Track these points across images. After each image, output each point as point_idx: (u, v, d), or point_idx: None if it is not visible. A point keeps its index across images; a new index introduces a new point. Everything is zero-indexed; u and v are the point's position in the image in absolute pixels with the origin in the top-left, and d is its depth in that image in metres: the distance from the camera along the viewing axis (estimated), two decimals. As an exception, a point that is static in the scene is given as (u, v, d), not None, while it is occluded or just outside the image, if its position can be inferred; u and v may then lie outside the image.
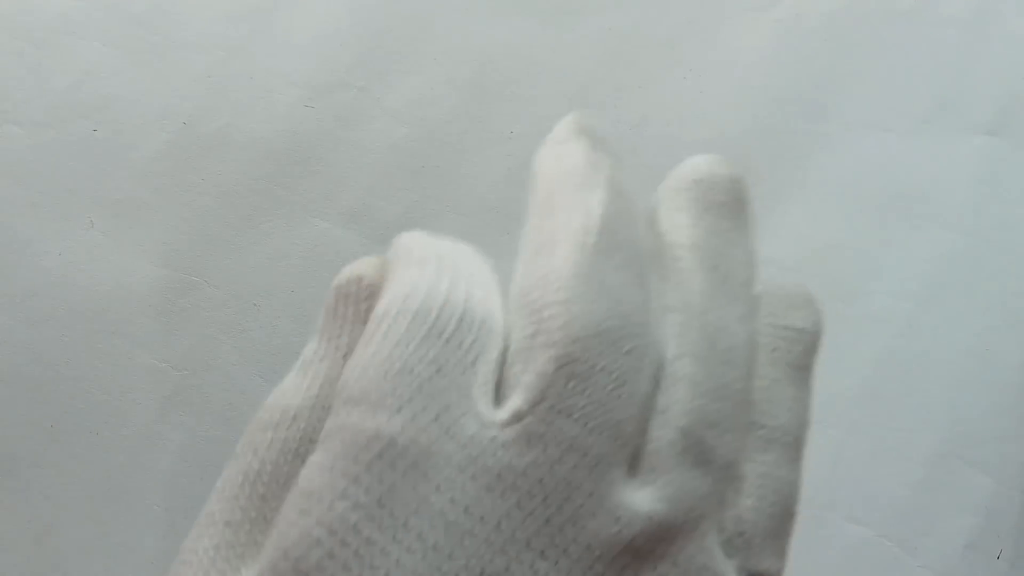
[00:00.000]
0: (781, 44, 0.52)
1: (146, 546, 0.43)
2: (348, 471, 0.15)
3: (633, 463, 0.16)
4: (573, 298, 0.16)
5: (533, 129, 0.50)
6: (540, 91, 0.51)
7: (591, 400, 0.15)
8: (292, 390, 0.18)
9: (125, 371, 0.45)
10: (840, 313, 0.47)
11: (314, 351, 0.19)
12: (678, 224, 0.19)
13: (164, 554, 0.43)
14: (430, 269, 0.17)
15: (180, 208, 0.48)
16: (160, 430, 0.45)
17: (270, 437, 0.18)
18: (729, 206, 0.20)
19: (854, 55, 0.52)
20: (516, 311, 0.17)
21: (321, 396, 0.18)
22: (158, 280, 0.47)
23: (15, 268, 0.47)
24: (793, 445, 0.18)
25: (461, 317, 0.16)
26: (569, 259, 0.16)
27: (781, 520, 0.18)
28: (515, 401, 0.15)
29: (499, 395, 0.16)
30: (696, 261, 0.18)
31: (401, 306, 0.16)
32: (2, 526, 0.43)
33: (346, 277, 0.19)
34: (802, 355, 0.19)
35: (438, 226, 0.48)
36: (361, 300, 0.18)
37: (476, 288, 0.17)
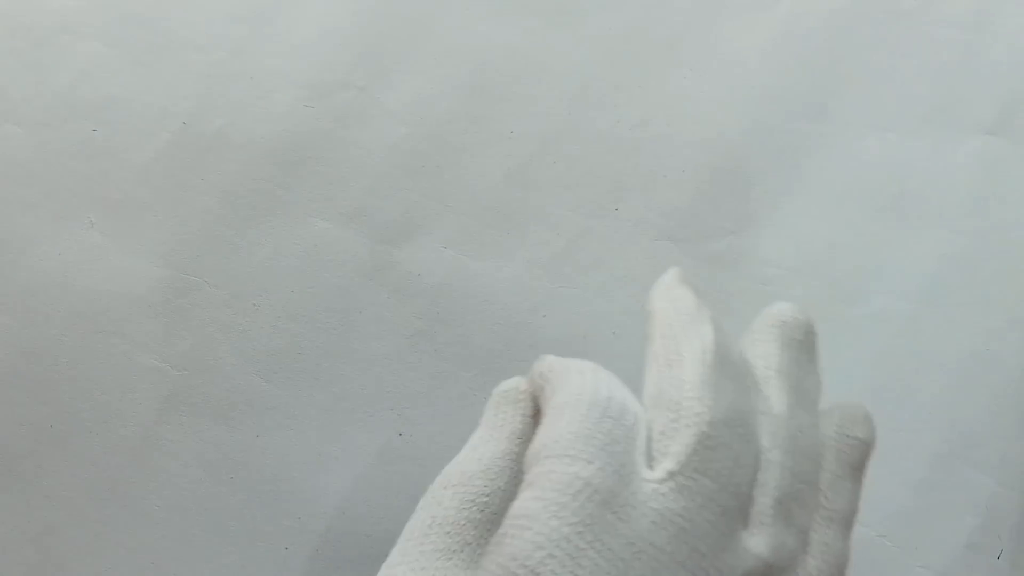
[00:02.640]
0: (781, 44, 0.52)
1: (146, 546, 0.43)
2: (558, 500, 0.20)
3: (743, 519, 0.22)
4: (704, 396, 0.22)
5: (533, 129, 0.50)
6: (540, 91, 0.51)
7: (722, 466, 0.21)
8: (465, 461, 0.25)
9: (125, 371, 0.45)
10: (840, 313, 0.47)
11: (481, 436, 0.25)
12: (768, 353, 0.26)
13: (164, 554, 0.43)
14: (589, 374, 0.24)
15: (180, 208, 0.48)
16: (160, 430, 0.45)
17: (451, 493, 0.24)
18: (804, 343, 0.26)
19: (854, 55, 0.52)
20: (655, 406, 0.23)
21: (491, 464, 0.24)
22: (158, 280, 0.47)
23: (15, 268, 0.47)
24: (846, 524, 0.24)
25: (622, 407, 0.22)
26: (696, 370, 0.23)
27: None
28: (667, 464, 0.21)
29: (650, 462, 0.22)
30: (782, 381, 0.25)
31: (579, 397, 0.22)
32: (2, 526, 0.43)
33: (506, 386, 0.26)
34: (859, 459, 0.25)
35: (438, 226, 0.48)
36: (519, 400, 0.26)
37: (624, 390, 0.23)
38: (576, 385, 0.23)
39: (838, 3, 0.53)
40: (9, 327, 0.46)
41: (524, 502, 0.20)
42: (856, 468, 0.25)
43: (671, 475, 0.21)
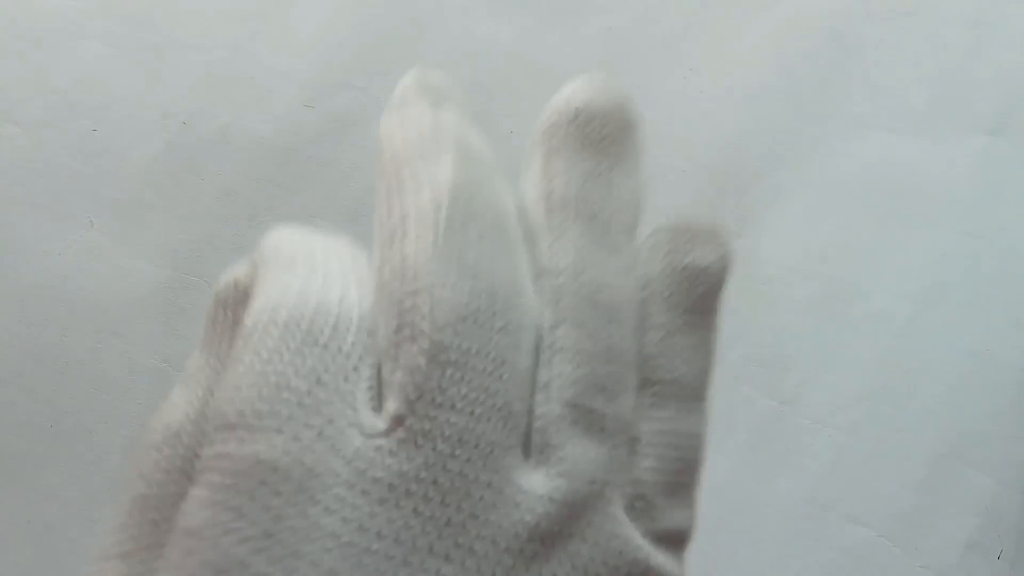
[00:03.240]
0: (781, 44, 0.52)
1: (146, 546, 0.43)
2: (230, 503, 0.14)
3: (524, 444, 0.15)
4: (433, 284, 0.15)
5: (533, 129, 0.50)
6: (540, 91, 0.51)
7: (472, 387, 0.15)
8: (175, 406, 0.17)
9: (125, 371, 0.45)
10: (840, 313, 0.47)
11: (196, 364, 0.17)
12: (552, 172, 0.17)
13: (164, 554, 0.43)
14: (300, 270, 0.16)
15: (180, 208, 0.48)
16: (160, 430, 0.45)
17: (154, 457, 0.16)
18: (611, 139, 0.18)
19: (854, 55, 0.52)
20: (378, 306, 0.15)
21: (203, 409, 0.16)
22: (158, 280, 0.47)
23: (15, 268, 0.47)
24: (693, 396, 0.17)
25: (336, 321, 0.15)
26: (423, 241, 0.15)
27: (683, 475, 0.17)
28: (392, 404, 0.14)
29: (380, 399, 0.15)
30: (571, 213, 0.17)
31: (271, 316, 0.15)
32: (2, 526, 0.43)
33: (223, 282, 0.17)
34: (703, 297, 0.17)
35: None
36: (239, 305, 0.17)
37: (352, 286, 0.16)
38: (275, 290, 0.15)
39: (838, 3, 0.53)
40: (9, 327, 0.46)
41: (190, 507, 0.14)
42: (699, 312, 0.17)
43: (398, 420, 0.14)
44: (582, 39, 0.52)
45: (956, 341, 0.47)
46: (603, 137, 0.18)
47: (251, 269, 0.17)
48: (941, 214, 0.49)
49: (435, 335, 0.14)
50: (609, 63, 0.51)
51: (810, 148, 0.50)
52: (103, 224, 0.48)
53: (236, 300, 0.17)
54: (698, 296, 0.17)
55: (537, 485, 0.15)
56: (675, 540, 0.16)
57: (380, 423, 0.14)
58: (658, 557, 0.15)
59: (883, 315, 0.47)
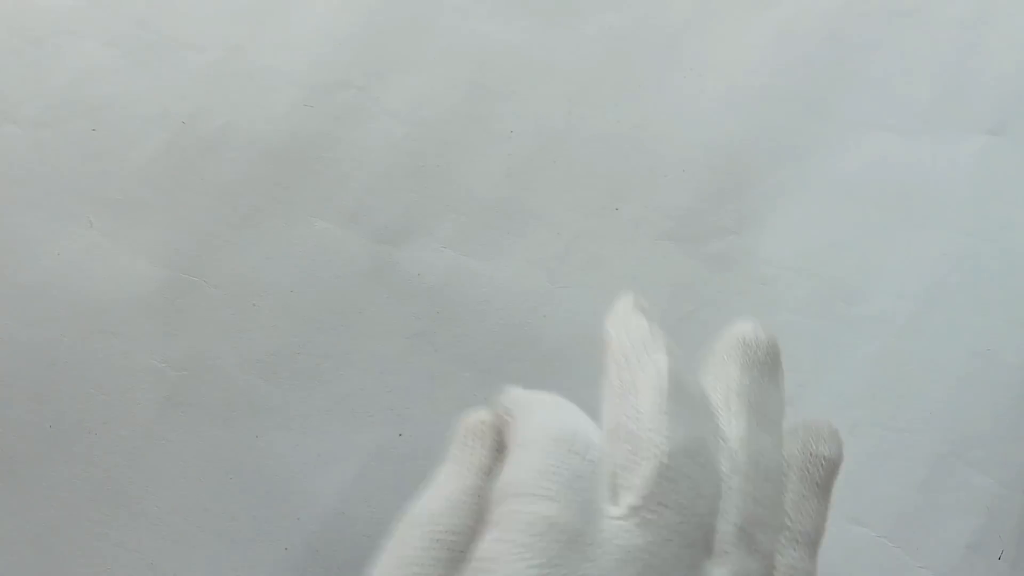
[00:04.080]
0: (781, 44, 0.52)
1: (146, 546, 0.43)
2: (522, 541, 0.20)
3: (707, 549, 0.22)
4: (661, 427, 0.22)
5: (533, 129, 0.50)
6: (540, 91, 0.51)
7: (684, 497, 0.21)
8: (431, 499, 0.24)
9: (125, 371, 0.45)
10: (840, 313, 0.47)
11: (447, 472, 0.25)
12: (728, 375, 0.25)
13: (163, 554, 0.43)
14: (553, 408, 0.24)
15: (180, 208, 0.48)
16: (160, 430, 0.45)
17: (418, 532, 0.24)
18: (766, 363, 0.26)
19: (854, 55, 0.52)
20: (614, 439, 0.23)
21: (457, 501, 0.24)
22: (158, 280, 0.47)
23: (15, 268, 0.47)
24: (813, 545, 0.24)
25: (586, 441, 0.22)
26: (652, 400, 0.23)
27: None
28: (629, 498, 0.21)
29: (614, 497, 0.22)
30: (742, 403, 0.25)
31: (543, 432, 0.22)
32: (2, 526, 0.43)
33: (472, 419, 0.26)
34: (825, 477, 0.25)
35: (438, 226, 0.48)
36: (485, 435, 0.25)
37: (589, 423, 0.23)
38: (540, 420, 0.23)
39: (838, 3, 0.53)
40: (9, 327, 0.46)
41: (488, 544, 0.20)
42: (822, 487, 0.25)
43: (634, 510, 0.21)
44: (582, 39, 0.52)
45: (957, 341, 0.47)
46: (763, 361, 0.26)
47: (498, 411, 0.25)
48: (941, 214, 0.49)
49: (663, 459, 0.21)
50: (609, 63, 0.51)
51: (810, 148, 0.50)
52: (102, 224, 0.48)
53: (483, 431, 0.26)
54: (823, 475, 0.25)
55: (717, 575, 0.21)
56: None
57: (617, 511, 0.21)
58: None
59: (883, 315, 0.47)
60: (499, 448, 0.26)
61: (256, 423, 0.45)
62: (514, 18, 0.52)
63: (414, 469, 0.44)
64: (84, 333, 0.46)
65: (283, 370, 0.46)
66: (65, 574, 0.43)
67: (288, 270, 0.47)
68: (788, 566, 0.23)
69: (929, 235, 0.49)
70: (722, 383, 0.26)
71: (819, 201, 0.49)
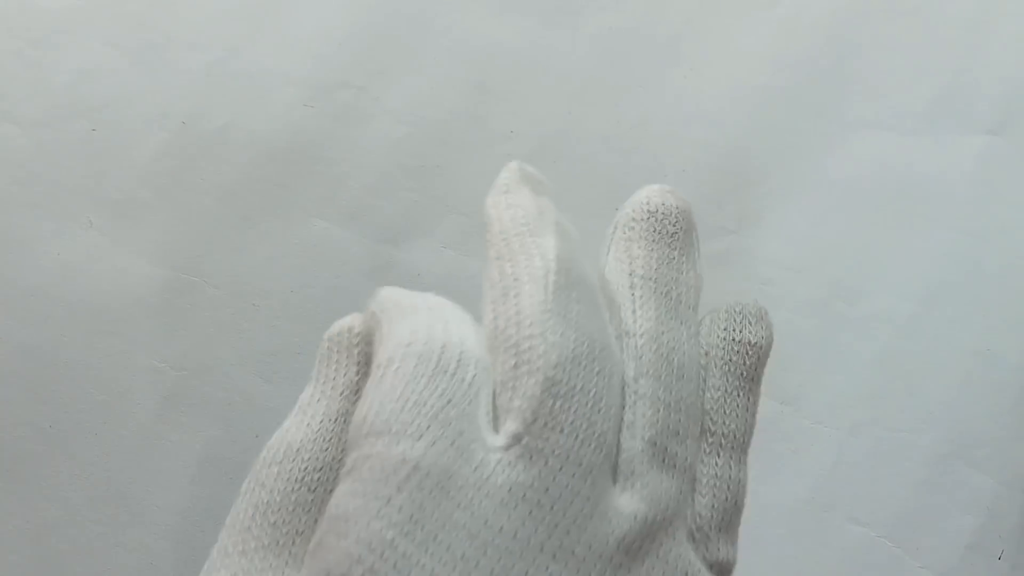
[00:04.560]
0: (781, 44, 0.52)
1: (145, 546, 0.43)
2: (380, 494, 0.16)
3: (612, 471, 0.18)
4: (546, 331, 0.18)
5: (533, 129, 0.50)
6: (540, 91, 0.51)
7: (577, 416, 0.18)
8: (293, 429, 0.20)
9: (125, 371, 0.45)
10: (840, 313, 0.47)
11: (310, 395, 0.21)
12: (633, 255, 0.22)
13: (163, 554, 0.43)
14: (423, 316, 0.19)
15: (180, 208, 0.48)
16: (160, 430, 0.45)
17: (276, 471, 0.20)
18: (678, 236, 0.22)
19: (855, 54, 0.52)
20: (494, 348, 0.19)
21: (321, 431, 0.20)
22: (158, 280, 0.47)
23: (14, 268, 0.47)
24: (740, 448, 0.21)
25: (460, 356, 0.18)
26: (536, 298, 0.19)
27: (732, 514, 0.20)
28: (511, 425, 0.18)
29: (496, 422, 0.18)
30: (650, 289, 0.21)
31: (405, 350, 0.18)
32: (2, 526, 0.43)
33: (337, 328, 0.21)
34: (752, 367, 0.22)
35: (438, 226, 0.48)
36: (352, 347, 0.21)
37: (468, 331, 0.19)
38: (405, 332, 0.19)
39: (838, 3, 0.53)
40: (9, 327, 0.46)
41: (341, 498, 0.17)
42: (748, 378, 0.21)
43: (515, 438, 0.17)
44: (582, 39, 0.52)
45: (957, 341, 0.47)
46: (673, 233, 0.22)
47: (365, 319, 0.21)
48: (941, 214, 0.49)
49: (548, 371, 0.18)
50: (609, 63, 0.51)
51: (810, 148, 0.50)
52: (102, 224, 0.47)
53: (351, 342, 0.21)
54: (749, 365, 0.21)
55: (624, 505, 0.18)
56: (722, 571, 0.19)
57: (498, 440, 0.18)
58: None
59: (883, 315, 0.47)
60: (368, 363, 0.21)
61: (256, 423, 0.45)
62: (514, 18, 0.52)
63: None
64: (84, 333, 0.46)
65: (283, 370, 0.46)
66: (65, 574, 0.43)
67: (288, 270, 0.47)
68: (712, 476, 0.20)
69: (929, 235, 0.49)
70: (625, 265, 0.22)
71: (819, 201, 0.49)
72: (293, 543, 0.19)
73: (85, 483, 0.44)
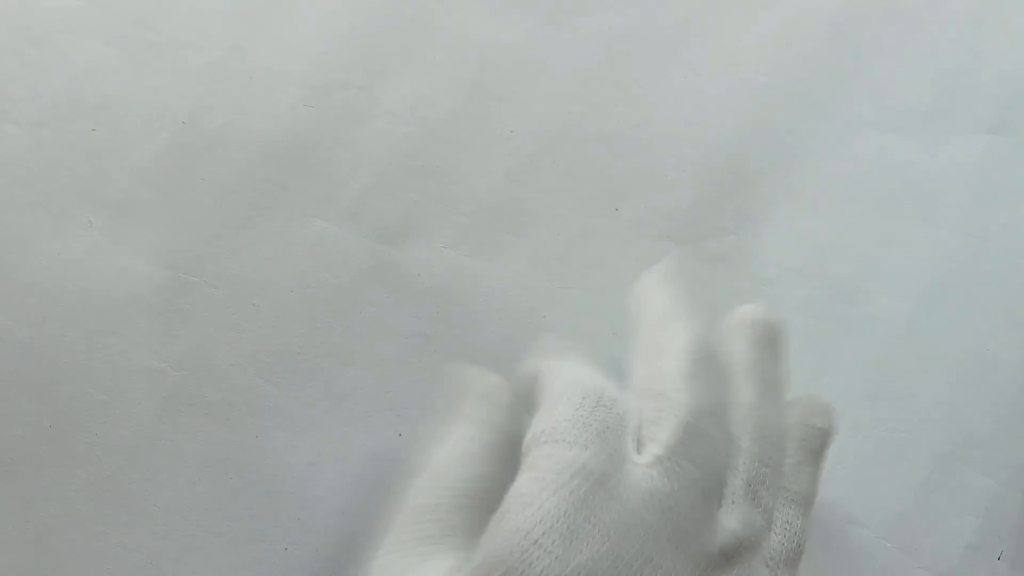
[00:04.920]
0: (782, 43, 0.52)
1: (145, 547, 0.43)
2: (556, 480, 0.22)
3: (719, 500, 0.25)
4: (687, 388, 0.25)
5: (533, 129, 0.50)
6: (540, 91, 0.51)
7: (702, 452, 0.24)
8: (449, 453, 0.28)
9: (124, 371, 0.45)
10: (840, 313, 0.47)
11: (462, 430, 0.29)
12: (739, 350, 0.29)
13: (163, 555, 0.43)
14: (582, 368, 0.26)
15: (180, 208, 0.48)
16: (159, 430, 0.45)
17: (439, 483, 0.27)
18: (770, 341, 0.30)
19: (855, 54, 0.52)
20: (641, 396, 0.26)
21: (476, 455, 0.27)
22: (157, 280, 0.47)
23: (13, 268, 0.47)
24: (806, 505, 0.27)
25: (614, 397, 0.25)
26: (680, 364, 0.26)
27: (795, 553, 0.26)
28: (655, 449, 0.24)
29: (638, 449, 0.24)
30: (751, 375, 0.28)
31: (574, 388, 0.25)
32: (2, 526, 0.43)
33: (481, 381, 0.31)
34: (818, 446, 0.29)
35: (438, 226, 0.48)
36: (494, 396, 0.30)
37: (610, 384, 0.26)
38: (571, 377, 0.26)
39: (838, 3, 0.53)
40: (8, 327, 0.46)
41: (525, 483, 0.23)
42: (815, 454, 0.28)
43: (658, 460, 0.23)
44: (582, 39, 0.52)
45: (957, 341, 0.47)
46: (768, 338, 0.29)
47: (526, 369, 0.29)
48: (941, 214, 0.49)
49: (688, 416, 0.24)
50: (609, 63, 0.51)
51: (810, 148, 0.50)
52: (102, 224, 0.47)
53: (493, 392, 0.30)
54: (816, 445, 0.29)
55: (726, 523, 0.24)
56: None
57: (643, 459, 0.24)
58: None
59: (883, 315, 0.47)
60: (510, 408, 0.29)
61: (256, 423, 0.45)
62: (514, 18, 0.52)
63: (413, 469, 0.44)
64: (84, 333, 0.46)
65: (283, 370, 0.46)
66: (65, 574, 0.43)
67: (288, 270, 0.47)
68: (784, 521, 0.26)
69: (929, 235, 0.49)
70: (733, 356, 0.28)
71: (819, 201, 0.49)
72: (453, 534, 0.25)
73: (85, 483, 0.44)
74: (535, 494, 0.22)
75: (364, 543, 0.43)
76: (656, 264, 0.30)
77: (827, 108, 0.51)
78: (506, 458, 0.29)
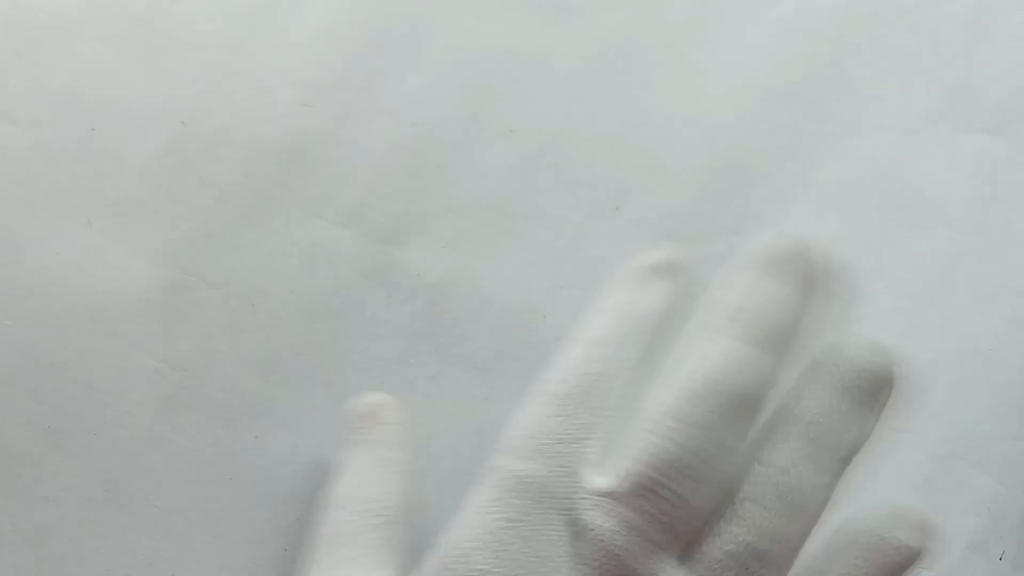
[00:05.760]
0: (782, 43, 0.52)
1: (144, 547, 0.43)
2: (492, 496, 0.22)
3: (687, 554, 0.22)
4: (670, 430, 0.21)
5: (533, 129, 0.50)
6: (540, 91, 0.51)
7: (656, 506, 0.21)
8: (349, 480, 0.30)
9: (124, 371, 0.45)
10: (840, 313, 0.47)
11: (356, 455, 0.31)
12: (802, 393, 0.23)
13: (162, 555, 0.43)
14: (575, 351, 0.25)
15: (179, 208, 0.48)
16: (159, 430, 0.45)
17: (347, 510, 0.29)
18: (859, 391, 0.24)
19: (855, 54, 0.52)
20: (630, 415, 0.23)
21: (378, 475, 0.30)
22: (157, 280, 0.47)
23: (12, 268, 0.47)
24: None
25: (579, 403, 0.23)
26: (677, 398, 0.22)
27: None
28: (607, 480, 0.22)
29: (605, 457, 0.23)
30: (800, 430, 0.22)
31: (543, 387, 0.24)
32: (1, 526, 0.43)
33: (362, 405, 0.33)
34: (894, 569, 0.23)
35: (438, 226, 0.48)
36: (376, 416, 0.33)
37: (605, 383, 0.24)
38: (553, 369, 0.25)
39: (838, 3, 0.53)
40: (7, 327, 0.46)
41: (470, 496, 0.23)
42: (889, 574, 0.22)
43: (605, 495, 0.22)
44: (582, 39, 0.51)
45: (957, 341, 0.47)
46: (858, 387, 0.24)
47: (371, 398, 0.32)
48: (941, 214, 0.49)
49: (657, 460, 0.21)
50: (609, 63, 0.51)
51: (811, 148, 0.50)
52: (101, 224, 0.47)
53: (374, 414, 0.32)
54: (895, 565, 0.23)
55: None
56: None
57: (594, 482, 0.22)
58: None
59: (883, 315, 0.47)
60: (397, 420, 0.30)
61: (256, 423, 0.45)
62: (514, 18, 0.51)
63: (413, 469, 0.44)
64: (84, 333, 0.46)
65: (283, 370, 0.46)
66: (65, 574, 0.43)
67: (288, 270, 0.47)
68: None
69: (930, 235, 0.49)
70: (792, 399, 0.23)
71: (819, 201, 0.49)
72: (368, 554, 0.25)
73: (83, 484, 0.44)
74: (472, 509, 0.22)
75: (364, 543, 0.43)
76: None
77: (827, 108, 0.51)
78: (407, 467, 0.30)
